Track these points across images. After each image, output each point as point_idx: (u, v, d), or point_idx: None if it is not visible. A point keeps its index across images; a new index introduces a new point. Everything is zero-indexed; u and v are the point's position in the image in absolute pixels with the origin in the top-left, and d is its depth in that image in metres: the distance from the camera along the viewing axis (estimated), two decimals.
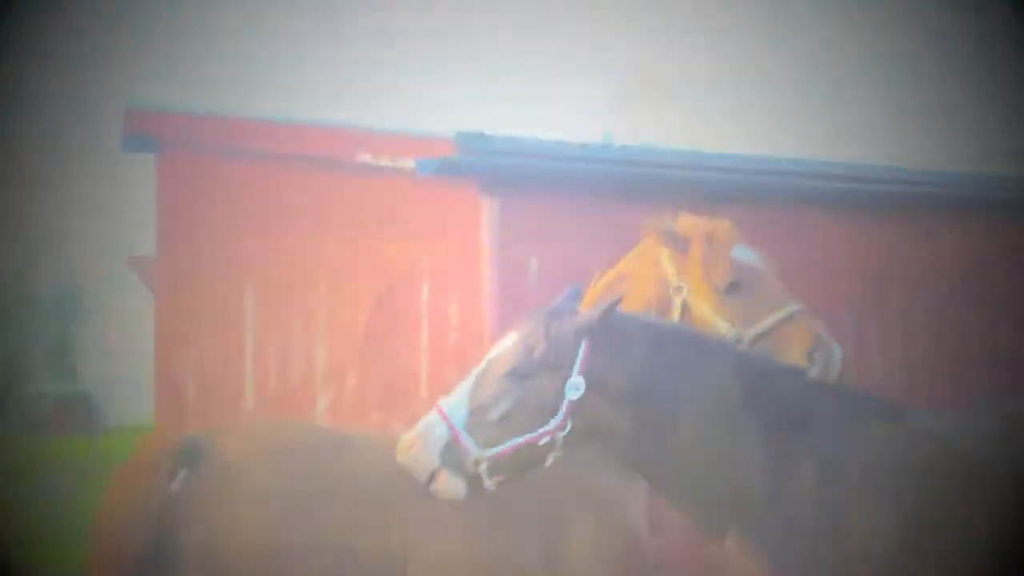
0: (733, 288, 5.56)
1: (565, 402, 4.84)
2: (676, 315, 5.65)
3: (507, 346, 4.96)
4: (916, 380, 9.02)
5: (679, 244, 5.70)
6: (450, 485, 4.79)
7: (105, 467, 5.22)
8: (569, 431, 4.85)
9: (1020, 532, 5.15)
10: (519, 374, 4.83)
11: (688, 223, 5.80)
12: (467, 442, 4.76)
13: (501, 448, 4.79)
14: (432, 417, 4.84)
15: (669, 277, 5.69)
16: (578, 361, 4.87)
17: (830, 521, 5.04)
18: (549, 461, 4.95)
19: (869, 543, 5.03)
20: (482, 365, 4.95)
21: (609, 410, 4.93)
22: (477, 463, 4.76)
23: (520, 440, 4.81)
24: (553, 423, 4.82)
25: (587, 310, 5.21)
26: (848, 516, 5.05)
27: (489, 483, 4.83)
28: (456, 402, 4.86)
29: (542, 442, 4.84)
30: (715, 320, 5.54)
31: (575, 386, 4.84)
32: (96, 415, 54.33)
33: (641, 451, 5.05)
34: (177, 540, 4.79)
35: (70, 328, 75.68)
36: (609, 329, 4.96)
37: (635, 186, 7.60)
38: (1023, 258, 9.68)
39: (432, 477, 4.80)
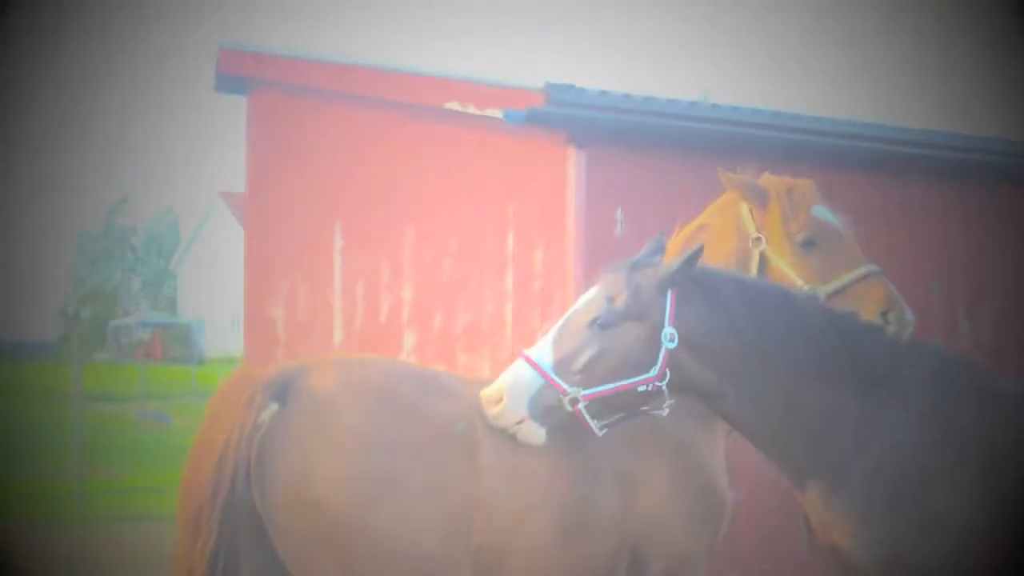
0: (810, 244, 5.55)
1: (662, 351, 4.85)
2: (754, 268, 5.64)
3: (588, 298, 4.98)
4: (1005, 347, 8.94)
5: (759, 199, 5.68)
6: (532, 432, 4.82)
7: (200, 396, 5.16)
8: (668, 381, 4.88)
9: None
10: (601, 324, 4.84)
11: (769, 179, 5.79)
12: (561, 383, 4.79)
13: (598, 389, 4.81)
14: (519, 366, 4.87)
15: (749, 229, 5.68)
16: (667, 311, 4.88)
17: (915, 480, 5.02)
18: (664, 411, 4.96)
19: (952, 508, 4.98)
20: (564, 317, 4.98)
21: (700, 362, 4.94)
22: (574, 402, 4.79)
23: (618, 384, 4.83)
24: (653, 371, 4.84)
25: (669, 261, 5.27)
26: (933, 478, 5.02)
27: (594, 423, 4.85)
28: (542, 350, 4.88)
29: (640, 389, 4.86)
30: (791, 275, 5.53)
31: (669, 336, 4.86)
32: (193, 346, 55.33)
33: (732, 404, 5.06)
34: (265, 473, 4.78)
35: (169, 260, 76.99)
36: (696, 281, 4.96)
37: (723, 144, 7.58)
38: None
39: (517, 425, 4.83)
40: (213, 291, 59.30)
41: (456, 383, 5.20)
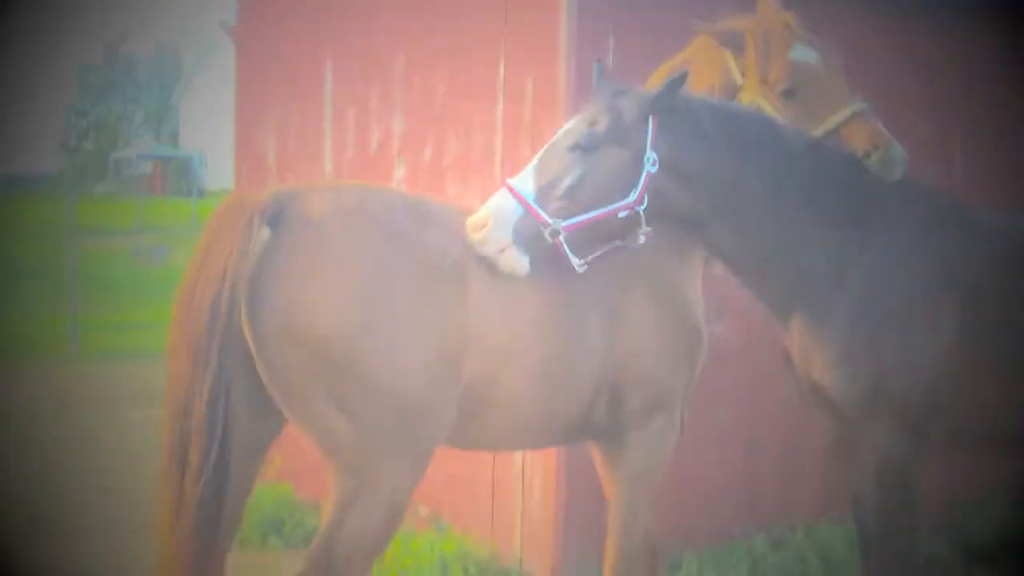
0: (789, 94, 5.43)
1: (643, 175, 4.86)
2: None
3: (569, 126, 4.98)
4: (1000, 184, 8.88)
5: (735, 46, 5.54)
6: (515, 261, 4.82)
7: (200, 231, 4.99)
8: (646, 207, 4.90)
9: None
10: (582, 147, 4.85)
11: (744, 20, 5.65)
12: (542, 214, 4.80)
13: (577, 219, 4.82)
14: (501, 194, 4.88)
15: (733, 73, 5.56)
16: (649, 136, 4.88)
17: (897, 313, 5.09)
18: (640, 239, 5.01)
19: (933, 340, 5.06)
20: (546, 146, 4.98)
21: (681, 189, 4.97)
22: (554, 233, 4.81)
23: (597, 212, 4.84)
24: (632, 196, 4.86)
25: (651, 87, 5.22)
26: (915, 311, 5.09)
27: (575, 260, 4.90)
28: (524, 179, 4.89)
29: (620, 216, 4.89)
30: None
31: (650, 160, 4.86)
32: (194, 179, 55.17)
33: (714, 232, 5.12)
34: (257, 300, 4.64)
35: (172, 92, 76.44)
36: (677, 107, 4.96)
37: None
38: None
39: (500, 253, 4.84)
40: (215, 125, 58.89)
41: (448, 214, 5.11)
